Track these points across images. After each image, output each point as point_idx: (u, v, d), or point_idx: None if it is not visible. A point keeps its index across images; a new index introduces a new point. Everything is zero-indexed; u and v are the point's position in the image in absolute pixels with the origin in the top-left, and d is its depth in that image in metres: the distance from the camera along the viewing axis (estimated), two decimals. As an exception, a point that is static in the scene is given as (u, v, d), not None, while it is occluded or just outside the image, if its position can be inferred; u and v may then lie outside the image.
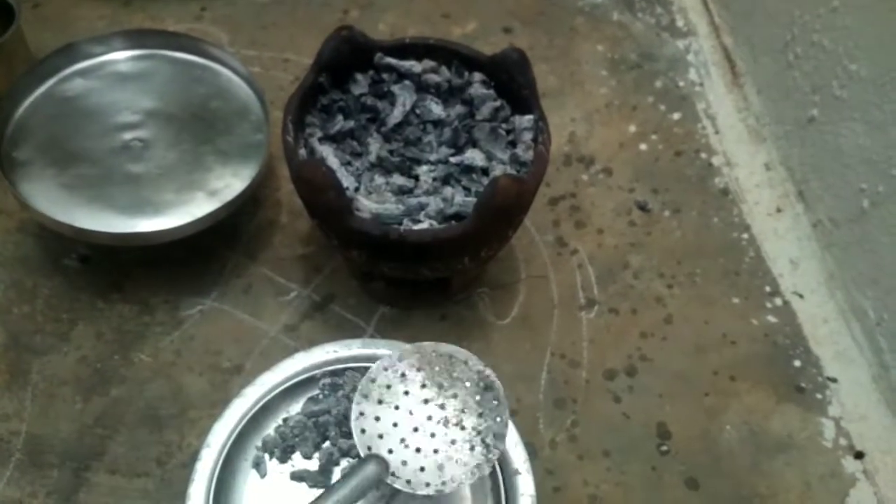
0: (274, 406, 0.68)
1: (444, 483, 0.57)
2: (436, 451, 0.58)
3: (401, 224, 0.66)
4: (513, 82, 0.72)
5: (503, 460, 0.65)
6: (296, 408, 0.69)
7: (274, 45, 1.01)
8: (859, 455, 0.75)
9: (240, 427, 0.66)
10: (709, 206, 0.91)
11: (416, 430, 0.58)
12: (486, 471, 0.58)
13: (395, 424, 0.58)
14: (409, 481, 0.57)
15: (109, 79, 0.84)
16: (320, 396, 0.70)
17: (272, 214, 0.87)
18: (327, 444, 0.67)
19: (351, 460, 0.67)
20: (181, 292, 0.81)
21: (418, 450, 0.58)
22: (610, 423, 0.76)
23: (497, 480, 0.65)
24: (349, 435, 0.68)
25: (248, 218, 0.86)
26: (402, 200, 0.68)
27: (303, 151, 0.70)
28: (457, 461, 0.57)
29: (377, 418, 0.59)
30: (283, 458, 0.66)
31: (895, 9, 0.75)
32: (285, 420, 0.68)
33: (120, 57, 0.86)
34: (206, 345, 0.79)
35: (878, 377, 0.79)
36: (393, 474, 0.57)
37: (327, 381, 0.70)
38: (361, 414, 0.59)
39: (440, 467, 0.57)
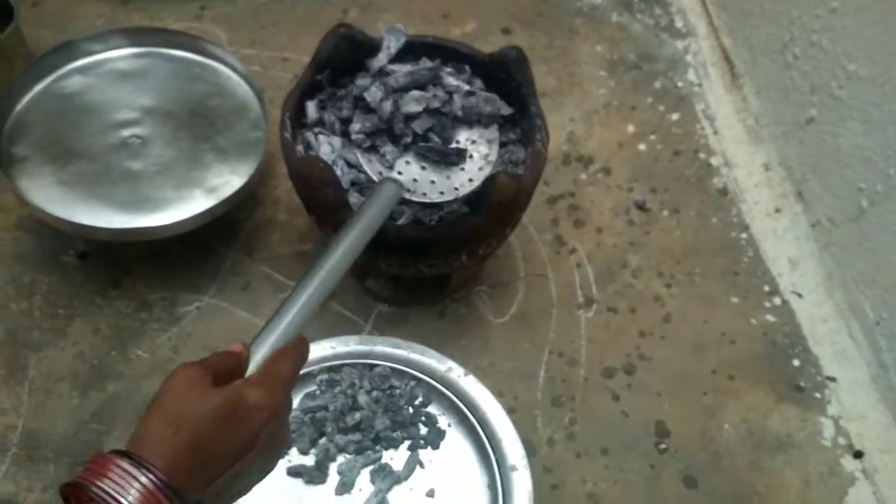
0: (271, 402, 0.68)
1: (455, 188, 0.64)
2: (439, 166, 0.65)
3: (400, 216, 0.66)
4: (511, 81, 0.72)
5: (500, 456, 0.65)
6: (293, 403, 0.68)
7: (273, 44, 1.01)
8: (858, 454, 0.75)
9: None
10: (707, 205, 0.91)
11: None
12: (488, 171, 0.65)
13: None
14: (424, 193, 0.63)
15: (108, 76, 0.84)
16: (317, 392, 0.69)
17: (270, 212, 0.87)
18: (324, 439, 0.67)
19: (347, 456, 0.67)
20: (179, 289, 0.81)
21: (423, 168, 0.64)
22: (608, 422, 0.76)
23: (494, 477, 0.65)
24: (346, 431, 0.68)
25: (247, 216, 0.86)
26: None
27: (300, 148, 0.69)
28: (461, 168, 0.65)
29: None
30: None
31: (894, 9, 0.75)
32: (282, 416, 0.67)
33: (119, 55, 0.86)
34: (203, 341, 0.78)
35: (877, 377, 0.79)
36: (408, 190, 0.63)
37: (324, 377, 0.70)
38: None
39: (448, 177, 0.64)
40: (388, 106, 0.66)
